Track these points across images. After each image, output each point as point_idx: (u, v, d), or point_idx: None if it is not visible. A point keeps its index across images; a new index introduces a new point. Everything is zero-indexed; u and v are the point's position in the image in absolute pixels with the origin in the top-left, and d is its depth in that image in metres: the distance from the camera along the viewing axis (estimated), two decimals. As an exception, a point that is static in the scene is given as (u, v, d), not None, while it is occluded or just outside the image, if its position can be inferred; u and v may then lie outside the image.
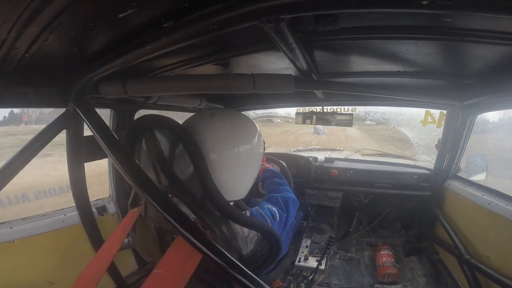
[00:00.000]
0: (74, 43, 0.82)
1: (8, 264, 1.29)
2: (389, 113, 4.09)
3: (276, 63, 1.27)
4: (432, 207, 2.21)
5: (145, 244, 1.12)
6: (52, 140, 1.12)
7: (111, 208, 1.78)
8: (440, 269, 2.13)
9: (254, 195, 2.05)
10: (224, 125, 1.00)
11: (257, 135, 1.05)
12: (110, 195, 1.84)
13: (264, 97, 2.31)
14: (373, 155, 3.16)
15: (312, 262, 2.13)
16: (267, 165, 1.55)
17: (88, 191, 1.40)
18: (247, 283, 0.70)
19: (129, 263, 1.87)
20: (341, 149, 3.56)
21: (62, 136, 1.17)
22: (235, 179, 1.00)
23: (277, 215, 1.04)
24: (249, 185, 1.08)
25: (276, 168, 1.58)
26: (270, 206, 1.06)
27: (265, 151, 3.14)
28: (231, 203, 1.13)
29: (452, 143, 2.01)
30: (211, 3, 0.62)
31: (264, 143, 1.15)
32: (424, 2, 0.53)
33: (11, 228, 1.32)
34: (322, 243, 2.48)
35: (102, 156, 1.47)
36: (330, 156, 2.86)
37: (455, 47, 1.00)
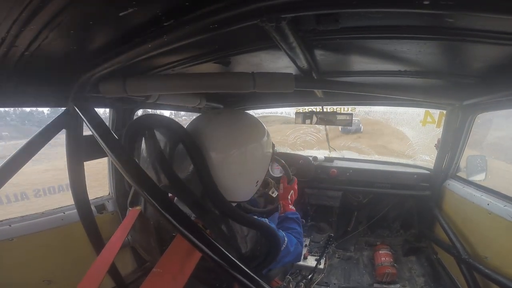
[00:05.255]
0: (74, 41, 0.81)
1: (7, 262, 1.28)
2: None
3: (277, 62, 1.26)
4: (431, 207, 2.21)
5: (144, 242, 1.12)
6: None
7: (110, 206, 1.78)
8: (438, 269, 2.14)
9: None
10: (230, 125, 0.98)
11: (264, 136, 1.03)
12: (109, 194, 1.84)
13: (264, 96, 2.31)
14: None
15: (311, 261, 2.14)
16: (292, 207, 1.47)
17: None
18: (247, 282, 0.70)
19: (128, 262, 1.87)
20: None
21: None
22: (239, 180, 0.99)
23: (285, 246, 1.03)
24: (253, 188, 1.07)
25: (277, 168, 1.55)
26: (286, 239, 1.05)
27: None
28: (234, 204, 1.12)
29: (451, 143, 2.01)
30: (212, 1, 0.62)
31: (273, 145, 1.12)
32: (426, 2, 0.53)
33: (10, 226, 1.31)
34: (321, 242, 2.48)
35: (101, 155, 1.47)
36: (330, 156, 2.86)
37: (456, 47, 1.00)
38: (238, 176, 0.97)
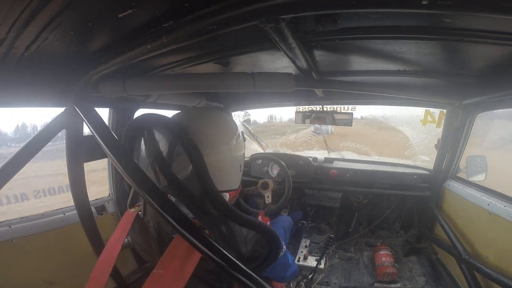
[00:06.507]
0: (73, 42, 0.81)
1: (6, 264, 1.28)
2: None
3: (276, 62, 1.26)
4: (432, 207, 2.21)
5: (144, 244, 1.12)
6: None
7: (110, 207, 1.78)
8: (439, 269, 2.14)
9: (253, 194, 2.06)
10: (212, 122, 1.03)
11: (238, 129, 1.11)
12: (109, 195, 1.84)
13: (264, 96, 2.31)
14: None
15: (312, 262, 2.14)
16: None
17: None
18: (247, 282, 0.70)
19: (129, 262, 1.88)
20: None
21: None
22: (225, 172, 1.03)
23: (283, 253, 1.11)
24: (239, 175, 1.12)
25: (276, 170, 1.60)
26: None
27: (265, 152, 3.15)
28: (227, 197, 1.15)
29: (451, 143, 2.01)
30: (211, 3, 0.62)
31: (242, 133, 1.22)
32: (424, 2, 0.53)
33: (10, 227, 1.31)
34: (321, 243, 2.48)
35: (101, 156, 1.47)
36: (330, 156, 2.86)
37: (455, 47, 1.00)
38: (225, 169, 1.02)
